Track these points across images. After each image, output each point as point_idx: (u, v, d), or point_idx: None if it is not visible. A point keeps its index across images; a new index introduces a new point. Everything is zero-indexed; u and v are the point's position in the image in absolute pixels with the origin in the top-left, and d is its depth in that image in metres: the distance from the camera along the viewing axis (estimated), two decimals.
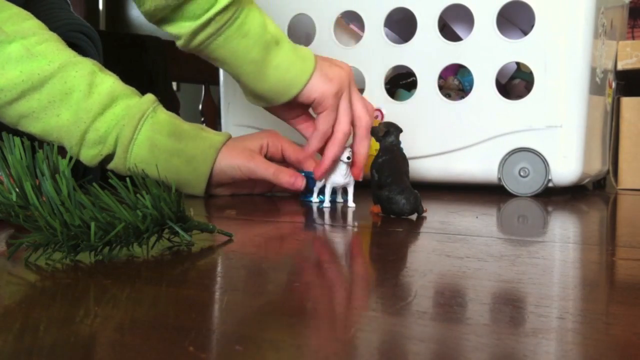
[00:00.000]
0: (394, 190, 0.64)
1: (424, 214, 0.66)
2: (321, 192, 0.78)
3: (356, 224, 0.62)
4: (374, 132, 0.68)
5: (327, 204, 0.74)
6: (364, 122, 0.76)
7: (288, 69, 0.74)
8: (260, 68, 0.74)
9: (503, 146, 0.91)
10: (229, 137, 0.79)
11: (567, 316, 0.31)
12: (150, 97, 0.74)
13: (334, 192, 0.77)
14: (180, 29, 0.74)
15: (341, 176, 0.72)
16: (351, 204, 0.73)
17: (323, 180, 0.75)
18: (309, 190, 0.81)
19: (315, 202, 0.77)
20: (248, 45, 0.73)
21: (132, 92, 0.73)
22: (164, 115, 0.75)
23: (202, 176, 0.76)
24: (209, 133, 0.78)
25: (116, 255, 0.42)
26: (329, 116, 0.74)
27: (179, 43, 0.76)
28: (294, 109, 0.79)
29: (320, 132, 0.74)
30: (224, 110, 1.11)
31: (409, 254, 0.48)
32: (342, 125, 0.74)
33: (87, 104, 0.69)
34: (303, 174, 0.82)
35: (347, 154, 0.70)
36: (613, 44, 1.03)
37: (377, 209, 0.67)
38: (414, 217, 0.65)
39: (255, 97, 0.79)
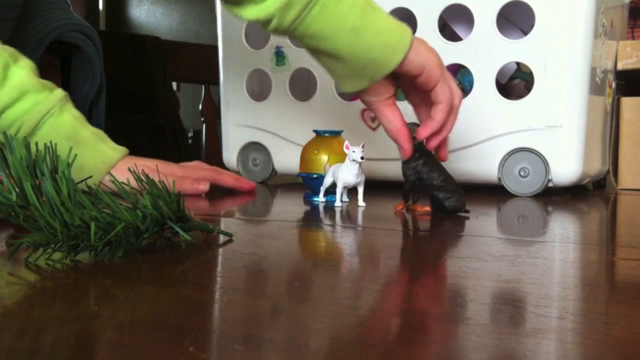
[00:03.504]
0: (448, 189, 0.67)
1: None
2: (327, 192, 0.78)
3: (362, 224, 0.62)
4: None
5: (338, 203, 0.74)
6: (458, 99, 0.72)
7: (390, 33, 0.67)
8: (361, 36, 0.66)
9: (503, 146, 0.91)
10: (126, 153, 0.78)
11: (567, 316, 0.31)
12: (58, 94, 0.74)
13: (328, 191, 0.77)
14: (267, 8, 0.65)
15: (353, 176, 0.72)
16: (361, 203, 0.73)
17: (330, 180, 0.75)
18: (313, 191, 0.81)
19: (322, 202, 0.77)
20: (344, 11, 0.65)
21: (43, 87, 0.74)
22: (68, 116, 0.74)
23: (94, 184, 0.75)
24: (107, 146, 0.77)
25: (116, 255, 0.42)
26: (445, 86, 0.68)
27: (270, 27, 0.67)
28: (383, 89, 0.70)
29: (446, 105, 0.69)
30: (224, 110, 1.11)
31: (409, 254, 0.48)
32: (458, 93, 0.70)
33: None
34: (304, 175, 0.82)
35: (360, 153, 0.70)
36: (613, 44, 1.03)
37: (421, 208, 0.69)
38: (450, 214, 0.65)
39: (355, 76, 0.69)
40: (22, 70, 0.73)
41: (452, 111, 0.69)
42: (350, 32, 0.66)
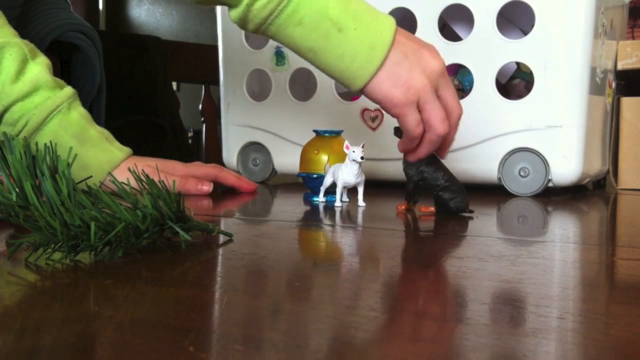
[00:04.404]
0: (453, 189, 0.67)
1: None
2: (327, 192, 0.78)
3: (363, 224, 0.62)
4: (399, 133, 0.69)
5: (338, 203, 0.74)
6: (454, 115, 0.69)
7: (352, 59, 0.65)
8: (319, 57, 0.66)
9: (503, 146, 0.91)
10: (131, 154, 0.79)
11: (567, 316, 0.31)
12: (67, 92, 0.75)
13: (328, 191, 0.77)
14: (230, 16, 0.69)
15: (353, 176, 0.72)
16: (361, 203, 0.73)
17: (330, 180, 0.75)
18: (313, 191, 0.81)
19: (322, 202, 0.77)
20: (304, 33, 0.66)
21: (56, 85, 0.74)
22: (75, 114, 0.75)
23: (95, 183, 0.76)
24: (112, 145, 0.78)
25: (116, 255, 0.42)
26: (408, 121, 0.66)
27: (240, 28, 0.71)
28: None
29: (407, 137, 0.67)
30: (224, 110, 1.11)
31: (409, 254, 0.48)
32: (434, 129, 0.65)
33: (10, 89, 0.71)
34: (304, 175, 0.82)
35: (360, 153, 0.70)
36: (613, 44, 1.03)
37: (425, 208, 0.69)
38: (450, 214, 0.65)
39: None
40: (38, 66, 0.74)
41: (424, 140, 0.67)
42: (309, 52, 0.67)
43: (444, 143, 0.69)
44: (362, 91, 0.67)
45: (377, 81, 0.65)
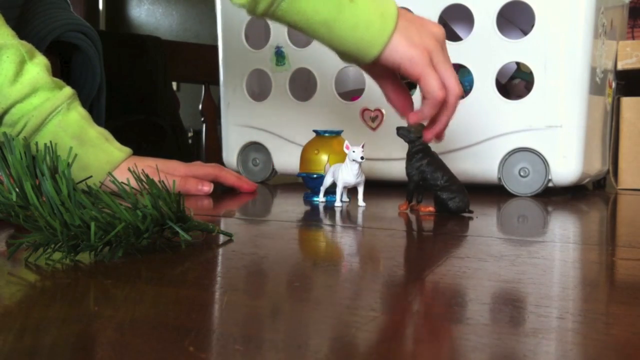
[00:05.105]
0: (452, 189, 0.67)
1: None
2: (327, 192, 0.78)
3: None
4: (405, 132, 0.69)
5: (338, 203, 0.74)
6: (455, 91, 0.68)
7: (366, 29, 0.66)
8: (333, 29, 0.67)
9: (503, 146, 0.91)
10: (131, 154, 0.79)
11: (567, 316, 0.31)
12: (66, 92, 0.75)
13: (328, 191, 0.77)
14: (235, 1, 0.68)
15: (353, 176, 0.72)
16: (361, 203, 0.73)
17: (330, 180, 0.75)
18: (313, 191, 0.81)
19: (322, 202, 0.77)
20: (316, 6, 0.66)
21: (55, 85, 0.74)
22: (75, 114, 0.75)
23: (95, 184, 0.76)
24: (112, 146, 0.77)
25: (116, 255, 0.42)
26: (430, 81, 0.66)
27: (250, 13, 0.70)
28: (382, 69, 0.72)
29: (431, 100, 0.67)
30: (223, 110, 1.11)
31: (409, 253, 0.48)
32: (452, 90, 0.67)
33: (8, 91, 0.71)
34: (304, 175, 0.82)
35: (360, 153, 0.70)
36: (613, 44, 1.03)
37: (425, 208, 0.69)
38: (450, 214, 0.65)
39: (342, 56, 0.72)
40: (37, 67, 0.73)
41: (443, 107, 0.67)
42: (322, 25, 0.67)
43: (440, 123, 0.69)
44: (378, 59, 0.68)
45: (393, 44, 0.67)
